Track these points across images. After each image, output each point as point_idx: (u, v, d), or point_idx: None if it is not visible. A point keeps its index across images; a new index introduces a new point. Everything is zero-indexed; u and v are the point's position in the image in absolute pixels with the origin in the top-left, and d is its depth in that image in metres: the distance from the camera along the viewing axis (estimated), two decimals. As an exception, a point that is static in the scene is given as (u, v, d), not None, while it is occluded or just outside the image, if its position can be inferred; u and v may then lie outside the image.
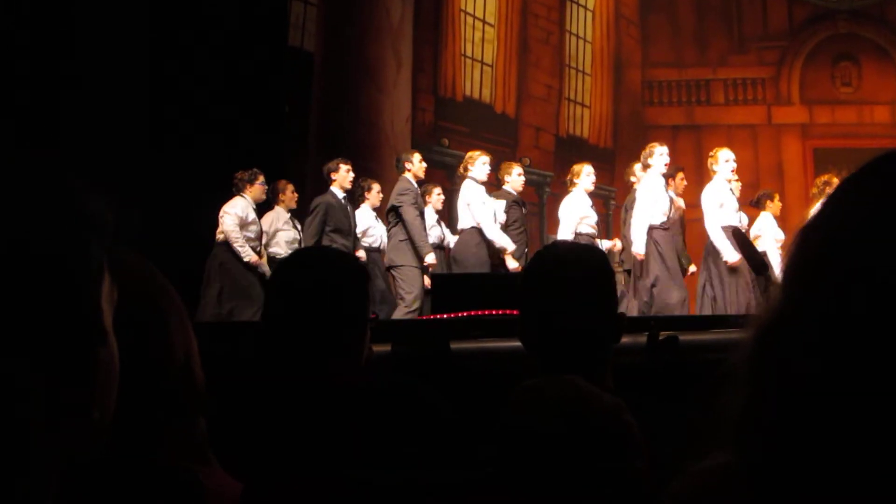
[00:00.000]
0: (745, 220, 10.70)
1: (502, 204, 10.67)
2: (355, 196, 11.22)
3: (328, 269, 2.56)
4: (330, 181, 10.87)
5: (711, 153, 10.49)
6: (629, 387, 2.53)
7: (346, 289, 2.53)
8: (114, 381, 0.99)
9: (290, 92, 13.03)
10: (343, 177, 10.88)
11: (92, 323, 0.96)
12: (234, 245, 10.31)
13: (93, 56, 9.67)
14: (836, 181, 10.75)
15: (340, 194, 10.85)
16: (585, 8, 18.68)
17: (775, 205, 11.37)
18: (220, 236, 10.47)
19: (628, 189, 11.24)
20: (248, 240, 10.46)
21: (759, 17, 18.73)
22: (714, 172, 10.30)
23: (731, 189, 10.25)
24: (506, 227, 10.58)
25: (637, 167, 10.91)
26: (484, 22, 16.97)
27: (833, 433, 0.92)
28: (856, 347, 0.91)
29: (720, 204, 10.07)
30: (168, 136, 10.59)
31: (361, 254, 10.67)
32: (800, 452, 0.94)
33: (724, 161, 10.25)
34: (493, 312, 6.82)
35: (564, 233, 10.39)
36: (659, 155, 10.27)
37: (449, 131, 15.78)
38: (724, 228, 9.88)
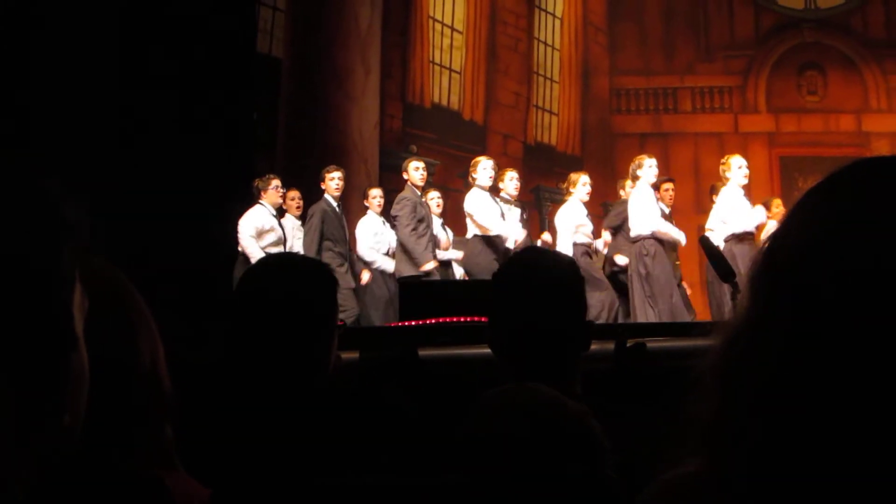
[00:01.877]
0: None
1: (509, 207, 10.71)
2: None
3: (295, 276, 2.56)
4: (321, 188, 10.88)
5: (723, 160, 10.60)
6: (597, 394, 2.54)
7: (313, 296, 2.53)
8: (84, 387, 0.99)
9: (258, 98, 13.00)
10: (327, 185, 10.85)
11: (63, 329, 0.95)
12: (252, 260, 10.22)
13: (59, 64, 9.61)
14: None
15: (334, 202, 10.83)
16: (554, 15, 18.72)
17: (779, 211, 11.45)
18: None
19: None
20: (270, 245, 10.36)
21: (725, 26, 18.82)
22: (727, 179, 10.40)
23: (744, 194, 10.33)
24: None
25: (628, 182, 10.95)
26: (452, 29, 16.98)
27: (803, 437, 0.93)
28: (823, 352, 0.92)
29: (734, 209, 10.17)
30: (134, 143, 10.53)
31: (366, 277, 10.67)
32: (771, 458, 0.95)
33: (736, 167, 10.36)
34: (462, 319, 6.82)
35: (563, 243, 10.43)
36: (648, 167, 10.36)
37: (417, 138, 15.77)
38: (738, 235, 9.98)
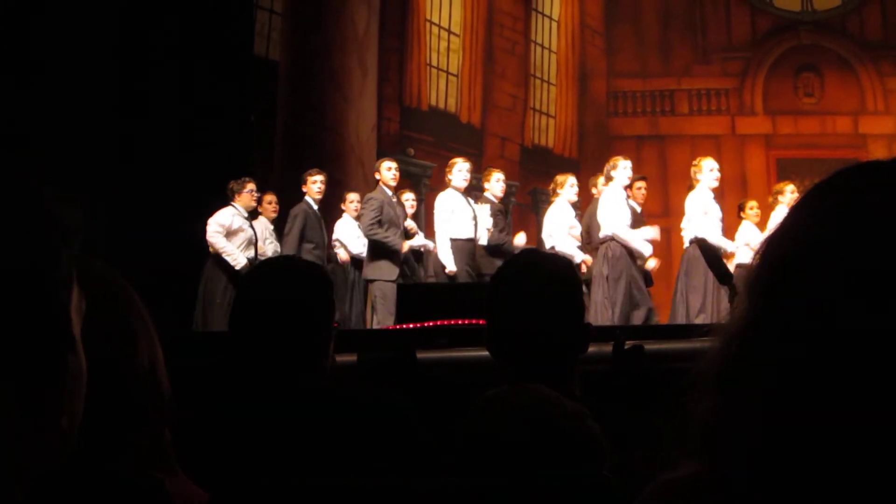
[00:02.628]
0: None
1: (485, 209, 10.67)
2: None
3: (294, 279, 2.56)
4: (302, 191, 10.88)
5: (695, 162, 10.62)
6: (596, 396, 2.54)
7: (312, 299, 2.53)
8: (82, 389, 0.99)
9: (255, 101, 13.00)
10: (308, 188, 10.85)
11: (61, 330, 0.95)
12: (222, 254, 10.22)
13: (58, 67, 9.62)
14: (788, 188, 10.84)
15: (315, 205, 10.83)
16: (550, 18, 18.71)
17: (753, 212, 11.42)
18: (211, 249, 10.38)
19: (590, 199, 11.28)
20: (240, 246, 10.34)
21: (722, 28, 18.81)
22: (697, 181, 10.40)
23: (713, 198, 10.34)
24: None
25: (601, 180, 10.94)
26: (449, 32, 16.98)
27: (801, 438, 0.93)
28: (820, 354, 0.92)
29: (704, 212, 10.17)
30: (134, 147, 10.54)
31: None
32: (769, 459, 0.95)
33: (707, 170, 10.38)
34: (459, 322, 6.81)
35: (561, 243, 10.40)
36: (623, 168, 10.35)
37: (414, 141, 15.77)
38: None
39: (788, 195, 11.08)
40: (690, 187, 10.66)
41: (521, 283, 2.60)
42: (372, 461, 2.17)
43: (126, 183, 9.94)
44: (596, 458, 1.88)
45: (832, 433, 0.91)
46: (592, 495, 1.81)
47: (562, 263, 2.80)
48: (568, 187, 10.74)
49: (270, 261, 3.08)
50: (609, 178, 10.42)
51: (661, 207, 12.60)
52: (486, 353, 2.64)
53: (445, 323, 6.89)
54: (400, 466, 2.18)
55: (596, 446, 1.89)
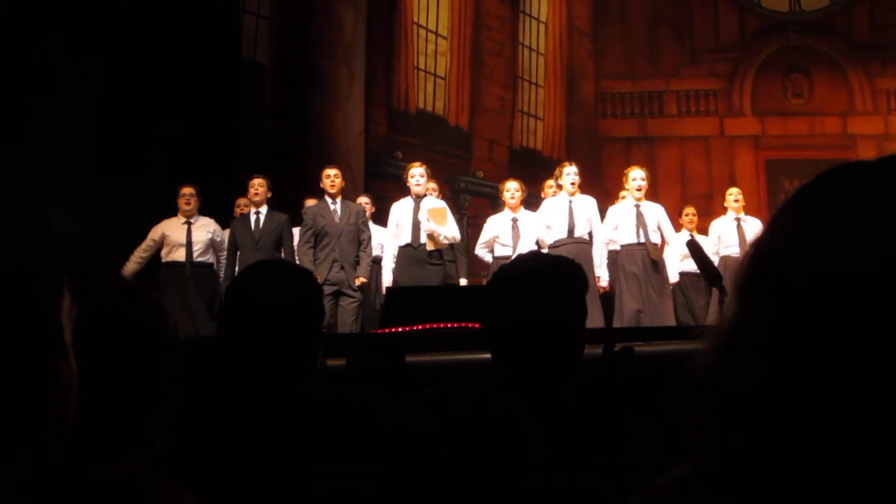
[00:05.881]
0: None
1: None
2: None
3: (283, 283, 2.56)
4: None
5: (626, 171, 10.67)
6: (586, 399, 2.54)
7: (300, 302, 2.53)
8: (72, 395, 0.99)
9: (243, 105, 12.99)
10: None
11: (52, 337, 0.95)
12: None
13: (42, 68, 9.60)
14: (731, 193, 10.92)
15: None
16: (538, 20, 18.73)
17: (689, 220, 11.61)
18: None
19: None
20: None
21: (710, 29, 18.86)
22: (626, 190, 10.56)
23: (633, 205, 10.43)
24: None
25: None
26: (437, 34, 16.99)
27: (788, 441, 0.93)
28: (806, 354, 0.92)
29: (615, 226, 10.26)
30: (121, 149, 10.52)
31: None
32: (757, 462, 0.95)
33: (631, 180, 10.44)
34: (449, 325, 6.81)
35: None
36: (566, 174, 10.33)
37: (403, 144, 15.77)
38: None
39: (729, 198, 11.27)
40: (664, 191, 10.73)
41: (516, 285, 2.59)
42: (359, 464, 2.17)
43: (112, 188, 9.92)
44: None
45: (816, 434, 0.91)
46: (581, 497, 1.81)
47: (565, 267, 2.77)
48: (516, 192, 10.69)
49: (258, 265, 3.08)
50: (560, 186, 10.45)
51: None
52: (475, 356, 2.63)
53: (435, 326, 6.89)
54: (387, 469, 2.18)
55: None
